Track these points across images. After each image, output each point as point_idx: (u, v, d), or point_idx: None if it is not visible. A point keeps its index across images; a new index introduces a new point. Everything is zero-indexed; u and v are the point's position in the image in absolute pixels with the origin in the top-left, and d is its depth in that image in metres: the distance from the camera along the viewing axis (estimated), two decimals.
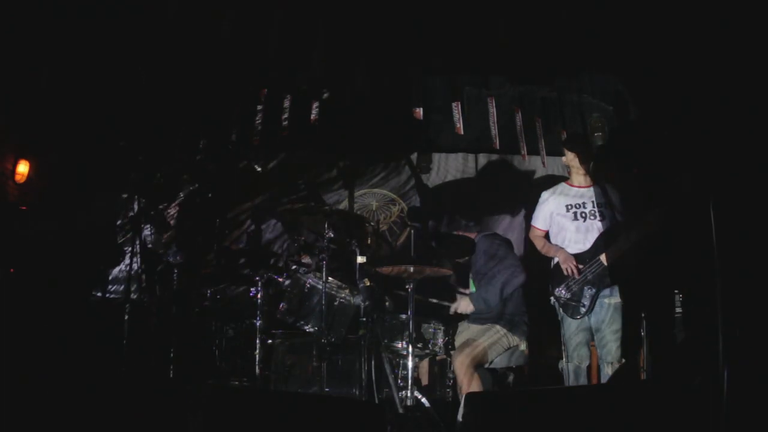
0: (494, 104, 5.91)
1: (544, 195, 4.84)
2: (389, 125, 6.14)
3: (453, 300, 4.97)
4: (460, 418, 4.11)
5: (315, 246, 4.88)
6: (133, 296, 4.88)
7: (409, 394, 4.29)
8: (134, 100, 5.92)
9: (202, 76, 5.77)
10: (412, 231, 4.62)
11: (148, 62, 5.64)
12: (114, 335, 4.59)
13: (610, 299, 4.46)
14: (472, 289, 4.87)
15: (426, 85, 5.92)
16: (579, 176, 4.75)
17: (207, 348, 5.43)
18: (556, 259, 4.67)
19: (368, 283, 4.79)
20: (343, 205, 6.90)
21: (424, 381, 4.92)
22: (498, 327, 4.64)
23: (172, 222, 4.75)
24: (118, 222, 4.97)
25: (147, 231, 4.55)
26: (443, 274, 4.54)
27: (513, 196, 6.71)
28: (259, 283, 5.00)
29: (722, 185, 4.21)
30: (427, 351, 4.65)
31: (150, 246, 4.81)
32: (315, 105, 5.72)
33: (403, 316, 4.52)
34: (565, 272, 4.53)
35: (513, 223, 6.75)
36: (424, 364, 4.94)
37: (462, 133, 5.98)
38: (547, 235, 4.82)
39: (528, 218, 4.92)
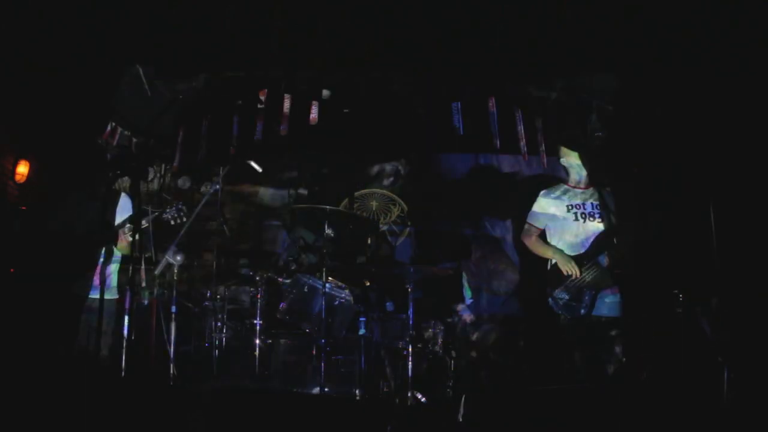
0: (494, 104, 5.90)
1: (544, 193, 4.81)
2: (389, 125, 6.14)
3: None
4: (460, 418, 4.11)
5: (315, 246, 4.89)
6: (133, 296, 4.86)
7: (409, 394, 4.30)
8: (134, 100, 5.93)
9: (202, 75, 5.78)
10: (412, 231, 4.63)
11: (148, 61, 5.66)
12: (114, 335, 4.58)
13: (610, 299, 4.46)
14: (468, 294, 4.88)
15: (426, 85, 5.92)
16: (578, 177, 4.75)
17: (207, 348, 5.43)
18: (553, 261, 4.65)
19: (368, 283, 4.80)
20: (343, 204, 6.90)
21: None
22: (497, 328, 4.65)
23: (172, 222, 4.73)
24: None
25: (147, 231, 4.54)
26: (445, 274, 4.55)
27: (512, 196, 6.70)
28: (259, 283, 5.00)
29: (722, 186, 4.22)
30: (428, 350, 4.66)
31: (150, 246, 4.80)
32: (315, 105, 5.71)
33: (403, 316, 4.53)
34: (565, 273, 4.51)
35: (511, 224, 6.75)
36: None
37: (462, 133, 5.98)
38: (542, 235, 4.79)
39: (524, 216, 4.90)
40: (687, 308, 4.53)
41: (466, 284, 4.98)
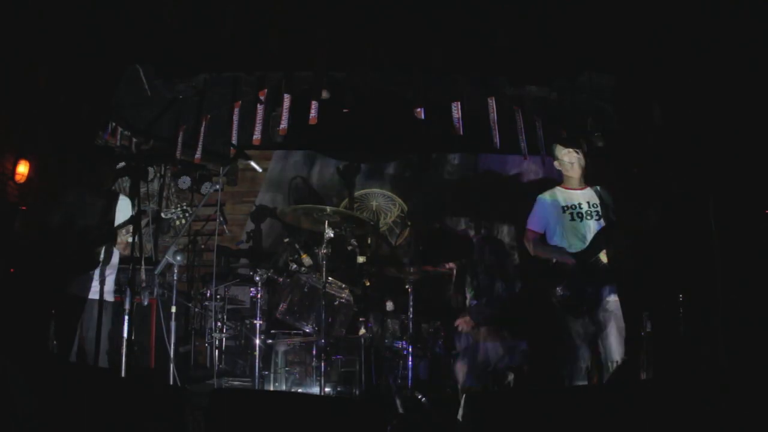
0: (494, 104, 5.90)
1: (541, 198, 4.84)
2: (389, 125, 6.14)
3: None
4: (460, 418, 4.11)
5: (315, 246, 4.89)
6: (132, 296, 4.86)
7: (409, 394, 4.30)
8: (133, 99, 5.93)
9: (202, 75, 5.78)
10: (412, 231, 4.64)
11: (147, 61, 5.65)
12: (114, 335, 4.59)
13: (610, 298, 4.46)
14: (469, 292, 4.87)
15: (426, 85, 5.92)
16: (574, 178, 4.76)
17: (207, 348, 5.44)
18: (554, 259, 4.66)
19: (368, 283, 4.80)
20: (343, 204, 6.90)
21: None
22: (499, 329, 4.65)
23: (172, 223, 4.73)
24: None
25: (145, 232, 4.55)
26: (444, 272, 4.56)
27: (512, 196, 6.70)
28: (259, 283, 5.00)
29: (722, 185, 4.22)
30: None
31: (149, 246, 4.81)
32: (315, 105, 5.71)
33: (403, 316, 4.53)
34: (564, 271, 4.51)
35: (511, 224, 6.75)
36: None
37: (461, 133, 5.98)
38: (542, 238, 4.81)
39: (525, 219, 4.91)
40: (687, 308, 4.53)
41: (468, 286, 4.97)
